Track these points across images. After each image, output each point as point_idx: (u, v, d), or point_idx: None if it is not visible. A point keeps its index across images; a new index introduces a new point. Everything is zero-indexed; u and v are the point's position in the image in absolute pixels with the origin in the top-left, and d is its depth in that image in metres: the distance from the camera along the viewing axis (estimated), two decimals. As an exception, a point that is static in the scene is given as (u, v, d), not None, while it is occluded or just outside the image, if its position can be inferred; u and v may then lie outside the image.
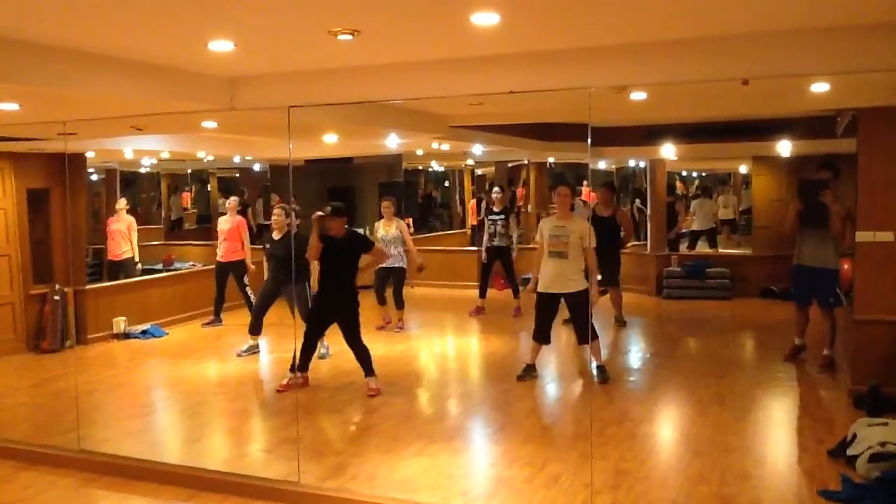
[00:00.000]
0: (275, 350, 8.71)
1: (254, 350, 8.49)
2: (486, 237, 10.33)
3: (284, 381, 7.07)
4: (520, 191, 15.91)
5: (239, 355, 8.40)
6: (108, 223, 10.61)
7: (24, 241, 8.89)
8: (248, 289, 9.78)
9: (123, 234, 10.40)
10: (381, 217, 9.63)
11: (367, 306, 9.08)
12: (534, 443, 5.54)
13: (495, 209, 10.36)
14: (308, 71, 4.93)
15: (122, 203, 10.73)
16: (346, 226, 6.91)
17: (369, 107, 5.98)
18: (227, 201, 10.22)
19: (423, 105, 6.68)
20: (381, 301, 9.54)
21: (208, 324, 10.12)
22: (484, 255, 10.34)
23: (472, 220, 15.66)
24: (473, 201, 15.94)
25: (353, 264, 6.86)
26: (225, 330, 9.92)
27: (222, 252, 9.84)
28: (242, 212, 14.73)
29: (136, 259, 10.60)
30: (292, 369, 6.86)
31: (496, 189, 10.71)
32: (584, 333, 6.95)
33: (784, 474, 5.02)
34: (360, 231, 9.75)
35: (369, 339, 7.89)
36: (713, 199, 14.23)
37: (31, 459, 5.47)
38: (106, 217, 12.06)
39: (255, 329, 8.42)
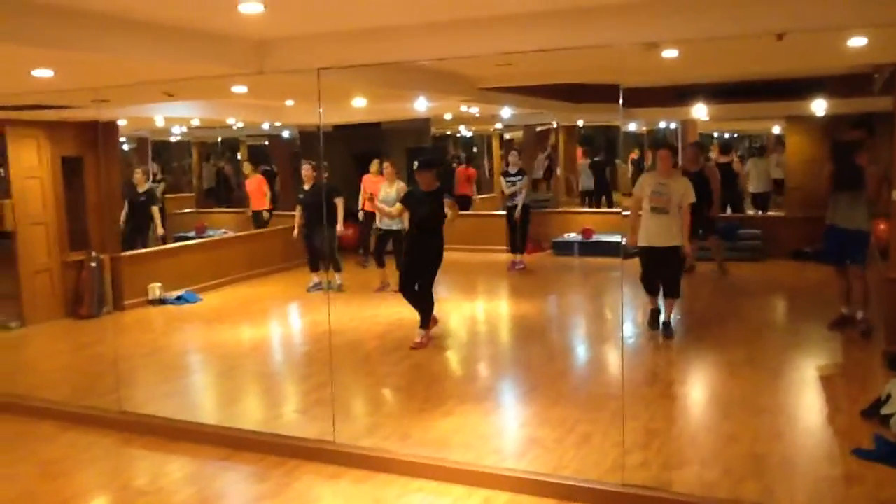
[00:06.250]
0: (307, 313, 8.82)
1: (319, 287, 9.78)
2: (506, 197, 10.87)
3: (417, 339, 7.14)
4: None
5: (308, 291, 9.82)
6: (245, 184, 12.81)
7: (59, 208, 9.01)
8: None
9: (257, 191, 12.45)
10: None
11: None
12: (564, 404, 5.56)
13: (511, 171, 10.80)
14: (337, 32, 4.91)
15: (248, 167, 13.20)
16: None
17: (398, 68, 5.96)
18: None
19: (453, 66, 6.65)
20: (380, 263, 9.74)
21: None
22: (507, 213, 10.83)
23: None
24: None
25: (437, 214, 7.02)
26: (257, 295, 10.04)
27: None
28: (271, 177, 14.93)
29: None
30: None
31: (513, 151, 11.61)
32: (673, 287, 7.22)
33: (816, 434, 5.01)
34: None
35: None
36: (767, 159, 13.49)
37: (73, 420, 5.61)
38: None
39: (315, 266, 9.87)
